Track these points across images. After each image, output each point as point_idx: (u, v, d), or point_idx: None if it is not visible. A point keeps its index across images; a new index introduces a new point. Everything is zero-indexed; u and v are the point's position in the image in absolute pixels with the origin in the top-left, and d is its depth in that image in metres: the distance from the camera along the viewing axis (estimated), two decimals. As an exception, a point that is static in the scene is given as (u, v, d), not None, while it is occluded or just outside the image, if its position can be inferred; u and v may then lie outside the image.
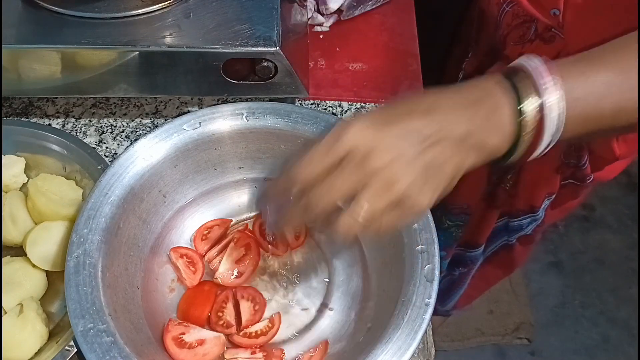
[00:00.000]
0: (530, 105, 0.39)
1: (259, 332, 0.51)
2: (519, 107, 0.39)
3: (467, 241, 0.98)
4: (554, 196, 0.84)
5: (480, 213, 0.90)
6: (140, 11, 0.56)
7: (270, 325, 0.51)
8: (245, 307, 0.52)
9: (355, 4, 0.73)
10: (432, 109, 0.40)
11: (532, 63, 0.40)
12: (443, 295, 1.20)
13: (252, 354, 0.49)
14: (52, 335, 0.51)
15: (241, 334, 0.51)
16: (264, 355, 0.49)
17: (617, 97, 0.39)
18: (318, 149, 0.39)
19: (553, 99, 0.38)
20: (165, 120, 0.68)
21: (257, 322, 0.52)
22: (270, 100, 0.58)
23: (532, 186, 0.82)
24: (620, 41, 0.41)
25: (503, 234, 0.96)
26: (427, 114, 0.39)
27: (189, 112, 0.56)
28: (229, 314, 0.52)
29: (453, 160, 0.40)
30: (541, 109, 0.39)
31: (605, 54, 0.41)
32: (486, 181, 0.84)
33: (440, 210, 0.93)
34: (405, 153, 0.38)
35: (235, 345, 0.50)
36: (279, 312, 0.52)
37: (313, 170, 0.39)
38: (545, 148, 0.41)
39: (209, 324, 0.52)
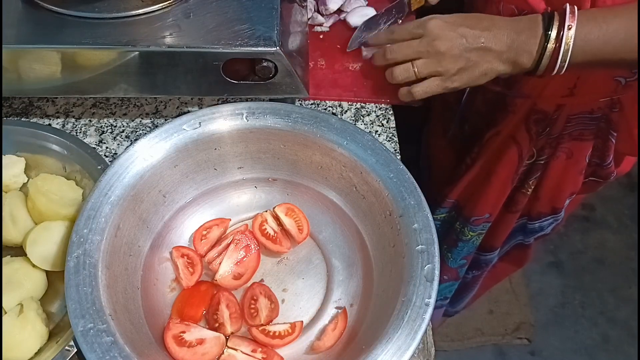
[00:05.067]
0: (551, 40, 0.55)
1: (277, 334, 0.50)
2: (545, 41, 0.56)
3: (483, 246, 0.98)
4: (574, 195, 0.84)
5: (499, 218, 0.90)
6: (140, 11, 0.56)
7: (290, 330, 0.51)
8: (263, 304, 0.52)
9: (365, 29, 0.74)
10: (490, 26, 0.58)
11: (565, 8, 0.55)
12: (455, 298, 1.20)
13: (252, 351, 0.49)
14: (52, 335, 0.51)
15: (260, 329, 0.51)
16: (263, 358, 0.49)
17: (617, 41, 0.54)
18: (409, 25, 0.62)
19: (569, 35, 0.55)
20: (165, 120, 0.68)
21: (274, 318, 0.52)
22: (270, 100, 0.58)
23: (556, 188, 0.82)
24: (629, 5, 0.55)
25: (518, 235, 0.96)
26: (485, 28, 0.58)
27: (189, 112, 0.56)
28: (223, 315, 0.52)
29: (487, 64, 0.59)
30: (558, 42, 0.55)
31: (616, 10, 0.55)
32: (509, 188, 0.83)
33: (462, 223, 0.92)
34: (459, 47, 0.58)
35: (245, 338, 0.51)
36: (301, 321, 0.52)
37: (400, 34, 0.63)
38: (560, 69, 0.57)
39: (206, 324, 0.52)
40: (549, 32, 0.55)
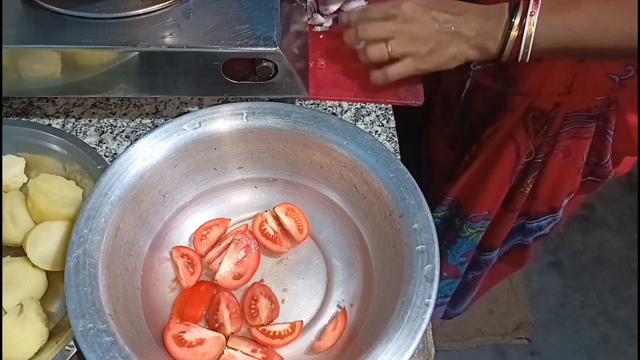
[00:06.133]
0: (514, 27, 0.58)
1: (277, 334, 0.50)
2: (509, 28, 0.58)
3: (482, 245, 0.98)
4: (573, 195, 0.84)
5: (497, 217, 0.90)
6: (140, 11, 0.56)
7: (290, 330, 0.51)
8: (264, 304, 0.53)
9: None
10: (461, 11, 0.61)
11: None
12: (456, 299, 1.20)
13: (252, 351, 0.49)
14: (52, 335, 0.51)
15: (260, 329, 0.51)
16: (263, 358, 0.49)
17: (580, 28, 0.56)
18: (383, 6, 0.64)
19: (531, 22, 0.57)
20: (165, 120, 0.68)
21: (274, 318, 0.52)
22: (270, 100, 0.58)
23: (554, 188, 0.82)
24: None
25: (517, 235, 0.96)
26: (456, 13, 0.61)
27: (189, 112, 0.56)
28: (223, 315, 0.52)
29: (455, 47, 0.61)
30: (521, 29, 0.57)
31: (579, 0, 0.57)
32: (507, 186, 0.84)
33: (461, 220, 0.92)
34: (430, 29, 0.61)
35: (245, 338, 0.51)
36: (301, 321, 0.52)
37: (374, 14, 0.65)
38: (524, 55, 0.59)
39: (206, 324, 0.52)
40: (513, 20, 0.58)
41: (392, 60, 0.65)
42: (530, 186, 0.83)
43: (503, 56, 0.60)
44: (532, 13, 0.56)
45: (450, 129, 0.91)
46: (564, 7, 0.56)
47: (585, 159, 0.79)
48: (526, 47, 0.58)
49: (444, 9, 0.61)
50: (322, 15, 0.78)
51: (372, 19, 0.65)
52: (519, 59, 0.59)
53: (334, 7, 0.78)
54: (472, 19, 0.60)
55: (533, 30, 0.57)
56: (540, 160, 0.80)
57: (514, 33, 0.58)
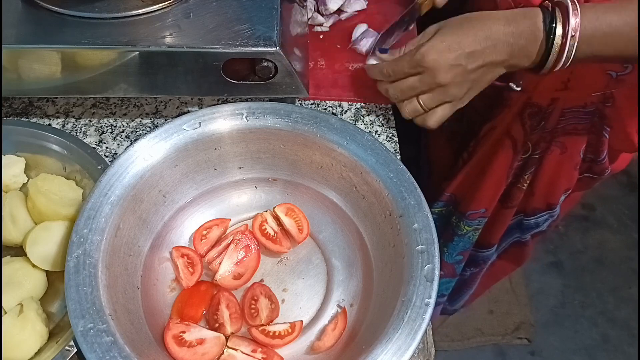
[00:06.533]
0: (557, 39, 0.53)
1: (276, 334, 0.50)
2: (551, 35, 0.53)
3: (480, 242, 0.98)
4: (570, 191, 0.84)
5: (495, 214, 0.90)
6: (140, 11, 0.56)
7: (290, 330, 0.51)
8: (264, 304, 0.53)
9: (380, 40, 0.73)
10: (487, 36, 0.55)
11: (565, 3, 0.53)
12: (453, 296, 1.20)
13: (252, 351, 0.49)
14: (52, 335, 0.51)
15: (260, 329, 0.51)
16: (263, 358, 0.49)
17: (617, 37, 0.53)
18: (404, 63, 0.59)
19: (574, 33, 0.53)
20: (165, 120, 0.68)
21: (275, 318, 0.52)
22: (270, 100, 0.58)
23: (551, 184, 0.82)
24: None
25: (515, 232, 0.96)
26: (481, 41, 0.55)
27: (189, 112, 0.56)
28: (223, 315, 0.52)
29: (490, 74, 0.59)
30: (565, 39, 0.53)
31: (616, 5, 0.54)
32: (505, 183, 0.84)
33: (458, 217, 0.92)
34: (461, 74, 0.57)
35: (245, 338, 0.51)
36: (301, 320, 0.52)
37: (396, 73, 0.60)
38: (565, 63, 0.55)
39: (206, 324, 0.52)
40: (551, 36, 0.53)
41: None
42: (528, 182, 0.83)
43: (544, 68, 0.56)
44: (573, 35, 0.53)
45: (448, 125, 0.91)
46: (601, 12, 0.53)
47: (581, 155, 0.79)
48: (569, 54, 0.54)
49: (467, 44, 0.56)
50: (322, 15, 0.78)
51: (396, 76, 0.61)
52: (557, 68, 0.56)
53: (333, 7, 0.78)
54: (500, 44, 0.55)
55: (577, 36, 0.53)
56: (537, 157, 0.80)
57: (557, 41, 0.53)
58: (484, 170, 0.83)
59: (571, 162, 0.80)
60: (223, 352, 0.49)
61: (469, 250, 0.99)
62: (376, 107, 0.71)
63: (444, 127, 0.88)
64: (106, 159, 0.60)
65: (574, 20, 0.52)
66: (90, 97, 0.70)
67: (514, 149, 0.78)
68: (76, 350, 0.46)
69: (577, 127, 0.76)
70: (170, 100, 0.71)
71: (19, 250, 0.55)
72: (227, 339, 0.50)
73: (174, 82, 0.57)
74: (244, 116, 0.56)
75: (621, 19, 0.53)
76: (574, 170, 0.81)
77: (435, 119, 0.61)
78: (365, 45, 0.75)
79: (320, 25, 0.78)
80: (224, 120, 0.55)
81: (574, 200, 0.90)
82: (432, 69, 0.56)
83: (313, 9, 0.79)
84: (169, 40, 0.54)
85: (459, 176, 0.87)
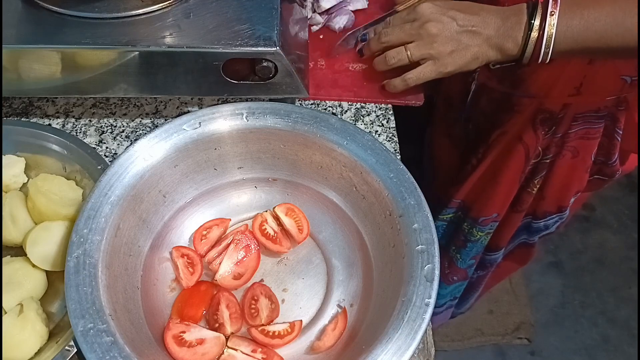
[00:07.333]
0: (535, 28, 0.57)
1: (276, 334, 0.50)
2: (529, 29, 0.57)
3: (489, 246, 0.97)
4: (579, 193, 0.84)
5: (504, 218, 0.90)
6: (140, 11, 0.56)
7: (289, 330, 0.51)
8: (264, 304, 0.53)
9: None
10: (479, 11, 0.60)
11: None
12: (461, 299, 1.20)
13: (252, 351, 0.49)
14: (52, 335, 0.51)
15: (259, 329, 0.51)
16: (263, 358, 0.49)
17: (599, 27, 0.55)
18: (402, 12, 0.66)
19: (551, 23, 0.56)
20: (165, 120, 0.68)
21: (275, 318, 0.52)
22: (270, 100, 0.58)
23: (562, 187, 0.82)
24: None
25: (523, 234, 0.96)
26: (475, 13, 0.60)
27: (189, 112, 0.56)
28: (223, 315, 0.52)
29: (477, 47, 0.61)
30: (541, 30, 0.56)
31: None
32: (516, 188, 0.83)
33: (470, 223, 0.92)
34: (450, 29, 0.60)
35: (245, 338, 0.51)
36: (300, 320, 0.52)
37: (394, 21, 0.66)
38: (545, 56, 0.58)
39: (206, 324, 0.52)
40: (532, 21, 0.56)
41: (412, 65, 0.64)
42: (538, 186, 0.83)
43: (524, 57, 0.59)
44: (552, 13, 0.55)
45: (455, 131, 0.91)
46: (584, 6, 0.55)
47: (593, 158, 0.79)
48: (547, 47, 0.57)
49: (462, 9, 0.61)
50: (320, 14, 0.78)
51: (393, 23, 0.65)
52: (540, 60, 0.58)
53: (325, 5, 0.77)
54: (490, 19, 0.59)
55: (554, 31, 0.56)
56: (548, 161, 0.79)
57: (534, 34, 0.57)
58: (496, 176, 0.82)
59: (583, 166, 0.79)
60: (223, 352, 0.49)
61: (480, 253, 0.99)
62: (376, 107, 0.71)
63: (448, 129, 0.88)
64: (106, 159, 0.60)
65: (552, 9, 0.56)
66: (90, 97, 0.70)
67: (526, 155, 0.78)
68: (76, 350, 0.46)
69: (590, 131, 0.75)
70: (170, 100, 0.71)
71: (19, 250, 0.55)
72: (227, 339, 0.50)
73: (174, 82, 0.57)
74: (244, 116, 0.56)
75: (600, 7, 0.55)
76: (585, 173, 0.80)
77: (416, 74, 0.63)
78: (338, 22, 0.76)
79: (317, 24, 0.78)
80: (224, 120, 0.55)
81: (580, 201, 0.89)
82: (425, 17, 0.61)
83: (313, 9, 0.78)
84: (169, 40, 0.54)
85: (469, 182, 0.87)
